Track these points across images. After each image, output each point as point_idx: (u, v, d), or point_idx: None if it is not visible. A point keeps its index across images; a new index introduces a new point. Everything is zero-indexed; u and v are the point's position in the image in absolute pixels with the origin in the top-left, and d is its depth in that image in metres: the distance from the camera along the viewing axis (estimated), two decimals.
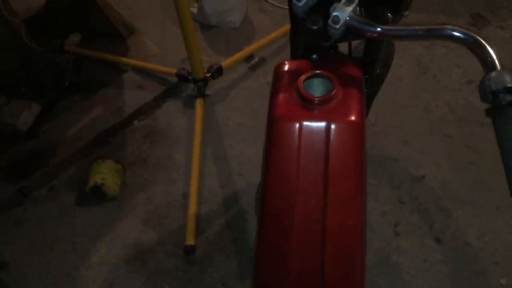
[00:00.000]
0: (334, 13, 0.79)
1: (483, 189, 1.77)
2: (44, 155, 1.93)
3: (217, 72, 2.08)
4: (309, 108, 0.83)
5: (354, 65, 0.90)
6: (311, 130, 0.82)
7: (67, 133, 1.99)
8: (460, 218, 1.70)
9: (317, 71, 0.85)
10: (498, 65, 0.65)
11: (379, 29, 0.78)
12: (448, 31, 0.71)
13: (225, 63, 2.11)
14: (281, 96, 0.85)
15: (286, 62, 0.91)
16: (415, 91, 2.09)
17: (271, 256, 0.85)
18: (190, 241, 1.67)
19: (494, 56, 0.66)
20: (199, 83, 2.04)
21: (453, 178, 1.81)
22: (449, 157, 1.87)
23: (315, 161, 0.82)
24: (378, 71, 1.13)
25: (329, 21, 0.80)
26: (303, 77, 0.85)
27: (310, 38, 0.87)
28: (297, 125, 0.82)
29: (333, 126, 0.81)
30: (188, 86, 2.16)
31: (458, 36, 0.70)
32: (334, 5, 0.81)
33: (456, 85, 2.10)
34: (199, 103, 2.03)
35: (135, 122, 2.09)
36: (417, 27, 0.75)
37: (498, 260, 1.61)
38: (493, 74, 0.63)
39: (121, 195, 1.85)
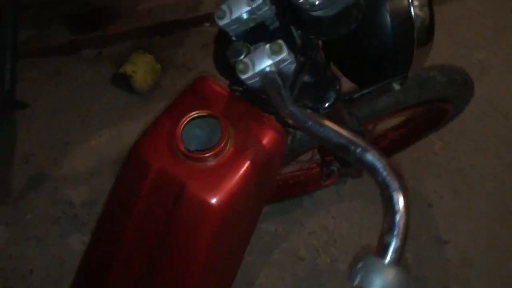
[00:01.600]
0: (245, 59, 0.56)
1: None
2: (106, 20, 1.90)
3: None
4: (178, 156, 0.64)
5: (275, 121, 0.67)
6: (164, 183, 0.64)
7: (136, 8, 1.92)
8: None
9: (205, 114, 0.64)
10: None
11: (291, 108, 0.53)
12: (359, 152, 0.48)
13: None
14: (165, 123, 0.66)
15: (206, 80, 0.70)
16: None
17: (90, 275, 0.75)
18: None
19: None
20: None
21: None
22: None
23: (156, 218, 0.66)
24: None
25: (237, 65, 0.57)
26: (187, 117, 0.64)
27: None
28: (151, 167, 0.64)
29: (187, 195, 0.62)
30: None
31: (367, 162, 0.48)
32: (261, 44, 0.57)
33: None
34: None
35: (206, 25, 1.94)
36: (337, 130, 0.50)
37: None
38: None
39: (149, 94, 1.79)
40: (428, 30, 0.63)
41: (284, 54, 0.54)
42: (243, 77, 0.56)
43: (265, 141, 0.65)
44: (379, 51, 0.62)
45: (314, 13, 0.53)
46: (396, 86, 0.66)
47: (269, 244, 1.55)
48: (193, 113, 0.64)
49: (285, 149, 0.68)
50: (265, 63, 0.55)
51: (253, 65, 0.55)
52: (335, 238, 1.55)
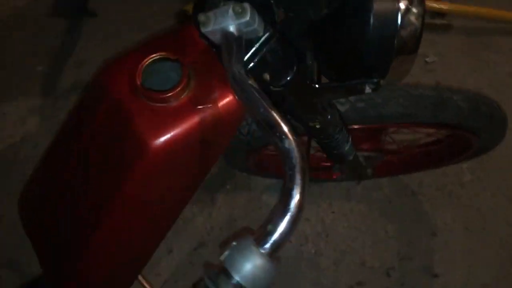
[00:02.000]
0: (209, 13, 0.56)
1: None
2: None
3: None
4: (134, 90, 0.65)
5: None
6: (114, 112, 0.66)
7: None
8: None
9: (172, 58, 0.65)
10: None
11: (234, 68, 0.53)
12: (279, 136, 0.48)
13: None
14: (134, 56, 0.68)
15: (191, 28, 0.70)
16: None
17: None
18: None
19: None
20: None
21: None
22: None
23: (101, 143, 0.69)
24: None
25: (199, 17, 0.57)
26: (153, 56, 0.65)
27: None
28: (108, 94, 0.67)
29: (130, 128, 0.64)
30: None
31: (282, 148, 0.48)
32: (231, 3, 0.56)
33: None
34: None
35: None
36: (267, 107, 0.50)
37: None
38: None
39: None
40: (413, 40, 0.59)
41: (247, 18, 0.54)
42: (203, 30, 0.56)
43: (222, 102, 0.65)
44: (354, 47, 0.59)
45: None
46: (368, 90, 0.63)
47: (263, 216, 1.56)
48: (160, 53, 0.65)
49: (241, 118, 0.68)
50: (226, 22, 0.55)
51: (215, 20, 0.55)
52: (328, 232, 1.53)
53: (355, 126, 1.05)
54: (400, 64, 0.61)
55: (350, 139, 0.91)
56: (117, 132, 0.65)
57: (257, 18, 0.55)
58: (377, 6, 0.57)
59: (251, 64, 0.58)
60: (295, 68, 0.58)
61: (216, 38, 0.57)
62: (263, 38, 0.58)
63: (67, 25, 1.95)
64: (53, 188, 0.76)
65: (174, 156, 0.64)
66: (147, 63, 0.65)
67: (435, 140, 1.29)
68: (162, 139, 0.63)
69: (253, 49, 0.58)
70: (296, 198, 0.47)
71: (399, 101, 0.95)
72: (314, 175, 1.54)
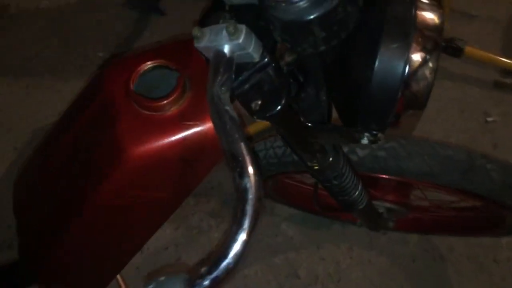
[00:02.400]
0: (204, 28, 0.53)
1: None
2: None
3: None
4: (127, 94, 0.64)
5: None
6: (104, 112, 0.65)
7: None
8: None
9: (173, 67, 0.63)
10: None
11: (214, 89, 0.50)
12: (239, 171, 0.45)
13: None
14: (136, 59, 0.67)
15: None
16: None
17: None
18: None
19: None
20: None
21: None
22: None
23: (87, 139, 0.68)
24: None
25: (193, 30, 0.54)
26: (153, 63, 0.64)
27: None
28: (103, 93, 0.66)
29: (114, 130, 0.63)
30: None
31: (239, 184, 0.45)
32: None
33: None
34: None
35: None
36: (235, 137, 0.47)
37: None
38: None
39: None
40: (423, 96, 0.52)
41: (239, 40, 0.50)
42: (196, 45, 0.53)
43: (210, 124, 0.62)
44: (354, 91, 0.54)
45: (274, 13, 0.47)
46: (364, 141, 0.57)
47: (278, 245, 1.51)
48: (160, 61, 0.63)
49: None
50: (220, 41, 0.51)
51: (209, 37, 0.52)
52: (340, 277, 1.45)
53: (381, 175, 0.97)
54: (406, 119, 0.55)
55: (360, 187, 0.84)
56: (102, 131, 0.64)
57: (253, 42, 0.52)
58: (383, 52, 0.52)
59: (240, 90, 0.55)
60: (283, 101, 0.54)
61: (209, 55, 0.54)
62: (258, 65, 0.54)
63: (135, 18, 2.01)
64: (44, 175, 0.77)
65: (149, 167, 0.62)
66: (145, 68, 0.63)
67: (470, 206, 1.18)
68: (140, 148, 0.61)
69: (245, 74, 0.54)
70: (237, 246, 0.43)
71: (425, 158, 0.87)
72: (334, 214, 1.46)
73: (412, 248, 1.47)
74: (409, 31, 0.52)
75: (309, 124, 0.61)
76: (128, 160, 0.61)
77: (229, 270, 0.42)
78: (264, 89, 0.55)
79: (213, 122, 0.49)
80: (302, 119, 0.61)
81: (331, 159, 0.72)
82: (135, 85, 0.62)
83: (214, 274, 0.42)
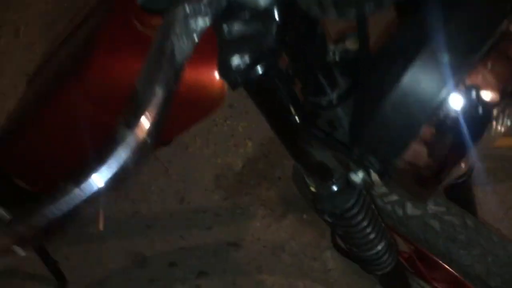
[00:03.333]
0: None
1: None
2: None
3: None
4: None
5: None
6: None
7: None
8: None
9: None
10: None
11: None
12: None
13: None
14: None
15: None
16: None
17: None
18: None
19: None
20: None
21: None
22: None
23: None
24: None
25: None
26: None
27: None
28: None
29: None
30: None
31: None
32: None
33: None
34: None
35: None
36: None
37: None
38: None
39: None
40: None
41: None
42: None
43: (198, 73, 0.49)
44: (368, 111, 0.37)
45: None
46: (355, 176, 0.39)
47: (310, 270, 1.33)
48: None
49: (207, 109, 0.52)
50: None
51: None
52: None
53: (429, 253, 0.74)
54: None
55: (385, 244, 0.62)
56: (90, 34, 0.55)
57: None
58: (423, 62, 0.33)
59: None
60: (271, 61, 0.37)
61: None
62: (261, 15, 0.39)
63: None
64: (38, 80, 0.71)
65: (107, 82, 0.52)
66: None
67: None
68: (106, 57, 0.50)
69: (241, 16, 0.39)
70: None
71: (488, 258, 0.63)
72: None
73: None
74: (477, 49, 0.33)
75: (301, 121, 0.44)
76: (92, 64, 0.51)
77: None
78: (257, 46, 0.39)
79: (152, 45, 0.35)
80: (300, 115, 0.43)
81: (337, 187, 0.52)
82: None
83: None
